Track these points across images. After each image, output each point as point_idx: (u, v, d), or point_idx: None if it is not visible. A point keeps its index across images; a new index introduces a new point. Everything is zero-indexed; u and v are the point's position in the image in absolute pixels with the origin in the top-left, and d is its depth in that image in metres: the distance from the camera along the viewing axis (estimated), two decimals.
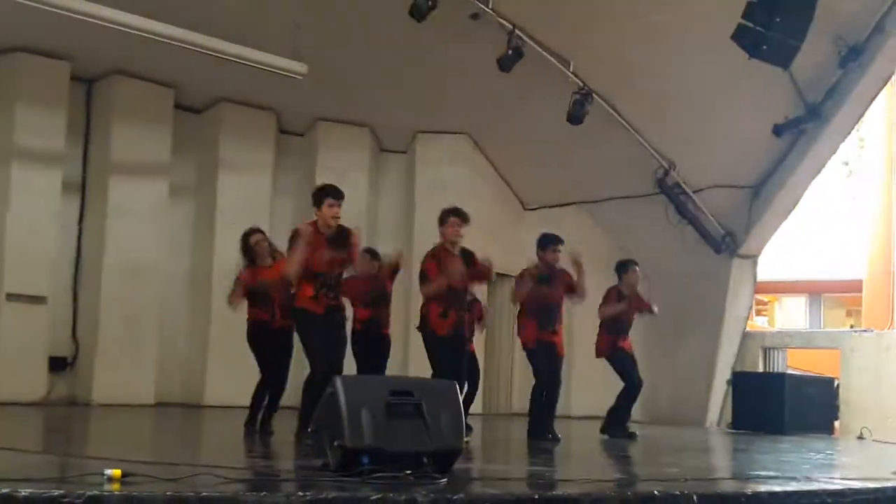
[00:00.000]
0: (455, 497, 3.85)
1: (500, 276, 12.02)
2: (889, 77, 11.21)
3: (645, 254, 12.32)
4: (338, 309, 6.85)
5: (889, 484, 5.20)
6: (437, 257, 7.47)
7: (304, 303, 6.68)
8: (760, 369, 12.22)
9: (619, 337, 8.97)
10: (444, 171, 12.88)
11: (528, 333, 8.29)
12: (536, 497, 4.10)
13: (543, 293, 8.22)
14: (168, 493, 3.35)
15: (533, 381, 8.28)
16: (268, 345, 7.55)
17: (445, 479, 4.13)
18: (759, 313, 23.86)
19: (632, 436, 8.84)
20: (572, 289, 8.34)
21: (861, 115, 11.67)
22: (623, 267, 9.15)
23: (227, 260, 11.40)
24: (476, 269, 7.60)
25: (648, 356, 12.48)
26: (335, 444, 4.20)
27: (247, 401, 7.72)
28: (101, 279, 10.99)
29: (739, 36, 8.80)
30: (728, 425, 11.44)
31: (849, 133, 11.75)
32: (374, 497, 3.68)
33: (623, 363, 8.94)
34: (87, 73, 11.21)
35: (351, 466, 4.14)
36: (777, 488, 4.66)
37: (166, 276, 11.49)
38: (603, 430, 8.97)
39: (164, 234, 11.52)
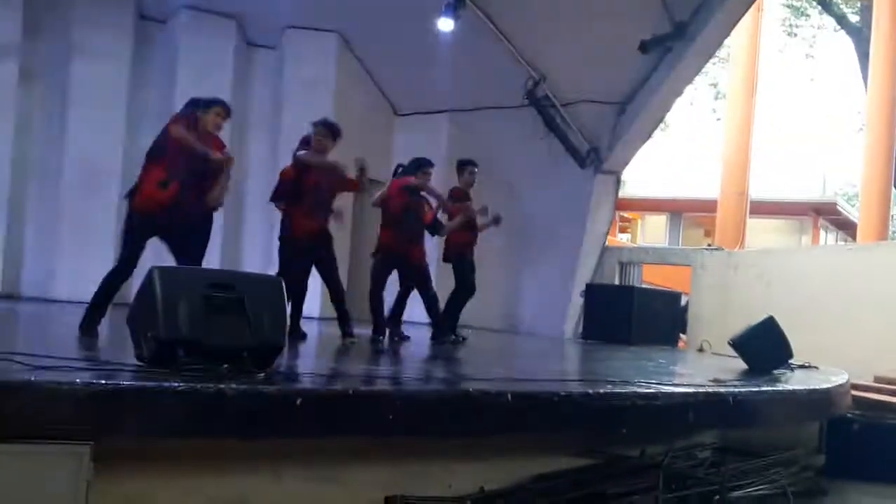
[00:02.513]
0: (264, 390, 3.85)
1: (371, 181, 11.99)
2: None
3: (511, 165, 12.45)
4: None
5: (701, 389, 5.46)
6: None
7: None
8: (617, 283, 12.54)
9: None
10: (313, 70, 12.56)
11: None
12: (351, 392, 4.12)
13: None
14: None
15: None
16: None
17: (263, 375, 4.11)
18: (622, 231, 24.47)
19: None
20: None
21: (726, 36, 11.87)
22: (462, 166, 9.17)
23: (80, 149, 11.08)
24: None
25: (511, 268, 12.74)
26: (149, 335, 4.11)
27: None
28: None
29: None
30: (579, 335, 11.74)
31: (713, 53, 11.97)
32: (179, 387, 3.64)
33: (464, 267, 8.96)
34: None
35: (166, 359, 4.05)
36: (590, 390, 4.82)
37: (14, 161, 11.00)
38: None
39: (13, 119, 10.98)
